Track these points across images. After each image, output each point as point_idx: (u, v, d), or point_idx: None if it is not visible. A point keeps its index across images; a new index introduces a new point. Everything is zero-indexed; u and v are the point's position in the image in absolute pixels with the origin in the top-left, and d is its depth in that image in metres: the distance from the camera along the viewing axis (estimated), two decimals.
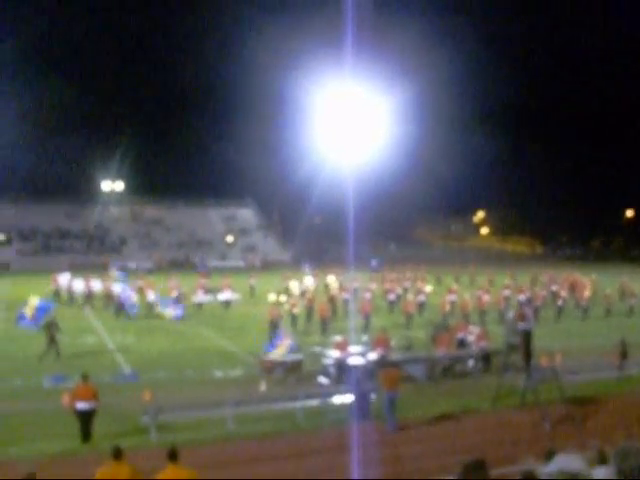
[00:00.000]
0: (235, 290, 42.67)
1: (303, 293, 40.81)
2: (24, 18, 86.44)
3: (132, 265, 71.25)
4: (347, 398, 18.86)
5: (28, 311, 28.64)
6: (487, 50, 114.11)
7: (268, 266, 75.32)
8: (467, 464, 6.23)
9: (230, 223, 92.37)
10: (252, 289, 46.65)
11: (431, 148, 78.99)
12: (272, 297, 39.01)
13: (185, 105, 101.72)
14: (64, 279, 42.83)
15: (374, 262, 64.10)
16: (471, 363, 25.06)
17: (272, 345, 25.31)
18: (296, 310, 34.45)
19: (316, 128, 58.36)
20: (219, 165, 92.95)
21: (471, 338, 26.47)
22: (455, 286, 43.33)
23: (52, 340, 26.35)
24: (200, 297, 40.42)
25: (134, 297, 37.55)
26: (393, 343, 26.09)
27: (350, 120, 52.05)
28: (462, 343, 26.55)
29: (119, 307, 36.99)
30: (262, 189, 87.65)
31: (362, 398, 18.45)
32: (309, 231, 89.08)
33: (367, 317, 34.34)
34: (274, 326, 30.15)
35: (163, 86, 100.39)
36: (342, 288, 42.42)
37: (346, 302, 39.29)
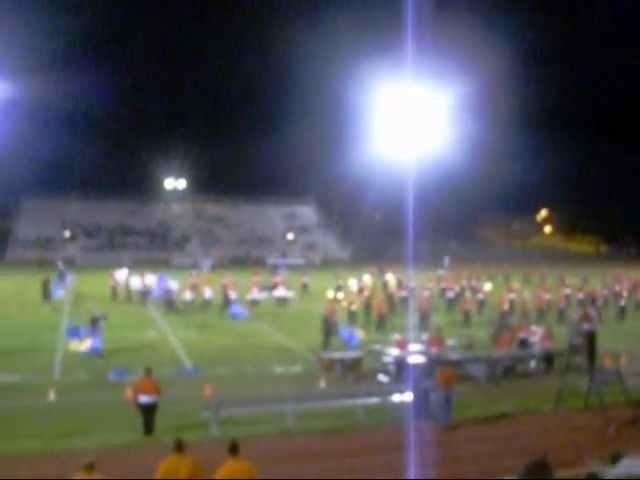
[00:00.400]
0: (289, 287, 42.93)
1: (361, 290, 41.00)
2: (90, 18, 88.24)
3: (193, 261, 72.20)
4: (406, 397, 18.77)
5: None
6: (554, 45, 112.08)
7: (328, 264, 75.41)
8: (530, 464, 6.17)
9: (290, 221, 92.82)
10: (305, 287, 46.71)
11: (494, 145, 78.04)
12: (330, 294, 39.50)
13: (247, 104, 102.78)
14: (121, 276, 43.45)
15: (446, 260, 63.53)
16: (533, 364, 24.68)
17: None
18: (354, 307, 34.66)
19: (376, 126, 58.19)
20: (280, 163, 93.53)
21: (534, 338, 26.08)
22: (515, 285, 42.71)
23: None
24: (255, 294, 40.61)
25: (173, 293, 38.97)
26: (453, 342, 25.89)
27: (411, 117, 51.71)
28: (524, 343, 26.16)
29: (169, 302, 37.84)
30: (323, 187, 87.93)
31: (421, 397, 18.35)
32: (369, 229, 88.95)
33: (425, 315, 34.30)
34: (331, 323, 30.06)
35: (226, 85, 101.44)
36: (400, 286, 42.40)
37: (404, 300, 39.38)
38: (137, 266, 54.62)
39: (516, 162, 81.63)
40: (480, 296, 40.25)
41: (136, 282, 42.27)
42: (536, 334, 26.28)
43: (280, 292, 41.83)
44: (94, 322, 27.13)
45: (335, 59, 68.09)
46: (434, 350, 23.18)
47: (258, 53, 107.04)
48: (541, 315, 36.32)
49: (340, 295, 39.91)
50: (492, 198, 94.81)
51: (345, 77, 63.52)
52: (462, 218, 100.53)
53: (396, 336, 24.65)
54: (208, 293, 39.12)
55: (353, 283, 45.10)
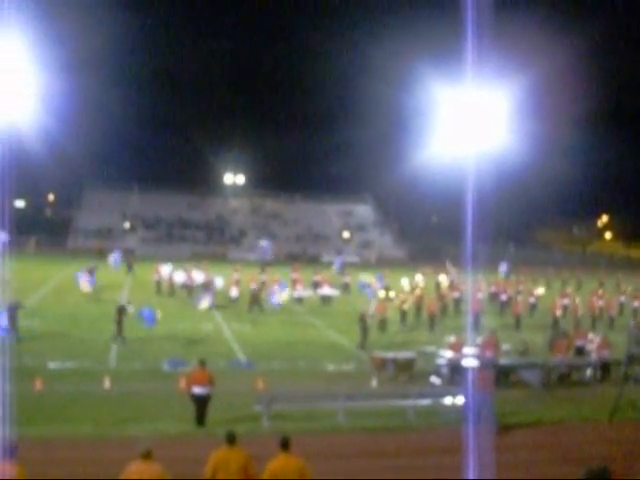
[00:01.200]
0: (334, 286, 42.80)
1: (413, 290, 41.04)
2: (153, 13, 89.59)
3: (251, 256, 72.74)
4: (459, 400, 18.62)
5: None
6: (617, 43, 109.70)
7: (383, 262, 75.14)
8: (591, 470, 6.02)
9: (347, 219, 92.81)
10: (346, 286, 45.51)
11: (555, 148, 76.87)
12: (381, 293, 39.62)
13: (309, 102, 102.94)
14: (166, 270, 43.11)
15: (504, 266, 62.73)
16: (589, 372, 24.24)
17: None
18: (406, 306, 34.96)
19: (436, 126, 57.77)
20: (339, 161, 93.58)
21: (591, 346, 25.60)
22: (569, 290, 42.16)
23: (119, 324, 27.05)
24: (299, 292, 40.52)
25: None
26: (508, 347, 25.60)
27: (470, 118, 51.18)
28: (581, 351, 25.72)
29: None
30: (380, 186, 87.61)
31: (475, 400, 18.15)
32: (425, 229, 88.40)
33: (476, 317, 34.10)
34: (383, 321, 31.91)
35: (288, 83, 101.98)
36: (453, 287, 42.56)
37: (456, 301, 39.65)
38: (195, 259, 55.30)
39: (577, 165, 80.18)
40: (532, 300, 40.26)
41: (180, 277, 41.93)
42: (593, 342, 25.79)
43: (325, 290, 41.58)
44: (120, 312, 27.32)
45: (395, 58, 67.86)
46: (489, 354, 22.94)
47: (320, 52, 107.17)
48: (593, 321, 36.41)
49: (392, 294, 39.89)
50: (552, 202, 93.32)
51: (405, 76, 63.24)
52: (521, 221, 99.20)
53: (451, 338, 24.44)
54: (253, 286, 38.12)
55: (405, 283, 45.08)
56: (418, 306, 36.02)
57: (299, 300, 40.02)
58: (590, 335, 27.10)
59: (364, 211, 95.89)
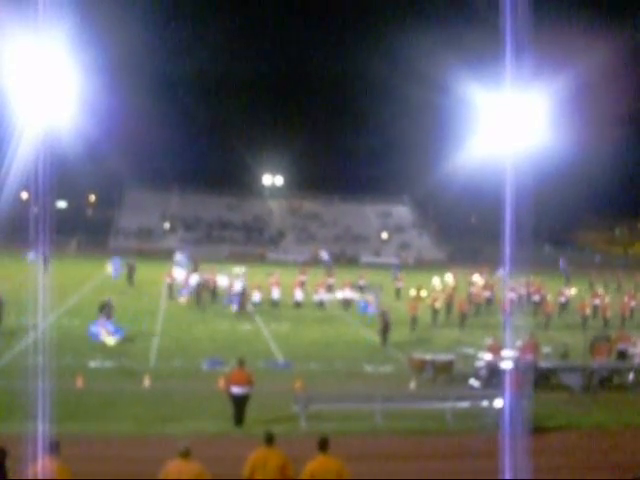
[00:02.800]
0: (355, 289, 41.64)
1: (444, 289, 42.13)
2: (196, 25, 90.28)
3: (290, 258, 72.94)
4: (498, 403, 18.44)
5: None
6: None
7: (422, 264, 74.84)
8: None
9: (385, 220, 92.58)
10: (398, 292, 44.84)
11: (596, 149, 75.76)
12: (412, 292, 40.22)
13: (347, 103, 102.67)
14: (180, 274, 41.58)
15: (562, 264, 62.14)
16: (631, 376, 23.84)
17: None
18: (437, 304, 35.63)
19: (474, 127, 57.42)
20: (377, 162, 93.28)
21: (634, 350, 25.22)
22: (600, 290, 42.02)
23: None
24: (321, 295, 39.45)
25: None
26: (549, 350, 25.34)
27: (509, 119, 50.74)
28: (623, 354, 25.34)
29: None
30: (418, 187, 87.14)
31: (511, 403, 17.95)
32: (464, 230, 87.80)
33: (508, 316, 34.67)
34: (414, 320, 32.89)
35: (324, 85, 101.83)
36: (486, 286, 43.41)
37: (488, 301, 40.84)
38: (234, 260, 55.69)
39: (619, 166, 78.95)
40: (562, 299, 41.02)
41: (194, 280, 39.46)
42: (637, 346, 25.41)
43: (345, 293, 39.99)
44: (102, 308, 27.73)
45: (434, 59, 67.46)
46: (529, 357, 22.69)
47: (358, 53, 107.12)
48: (622, 321, 37.24)
49: (424, 293, 40.49)
50: (593, 203, 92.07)
51: (444, 77, 62.86)
52: (561, 223, 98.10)
53: (489, 340, 24.19)
54: (276, 294, 38.14)
55: (436, 282, 46.28)
56: (449, 305, 37.04)
57: (320, 304, 38.78)
58: (633, 338, 26.70)
59: (403, 212, 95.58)
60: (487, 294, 41.34)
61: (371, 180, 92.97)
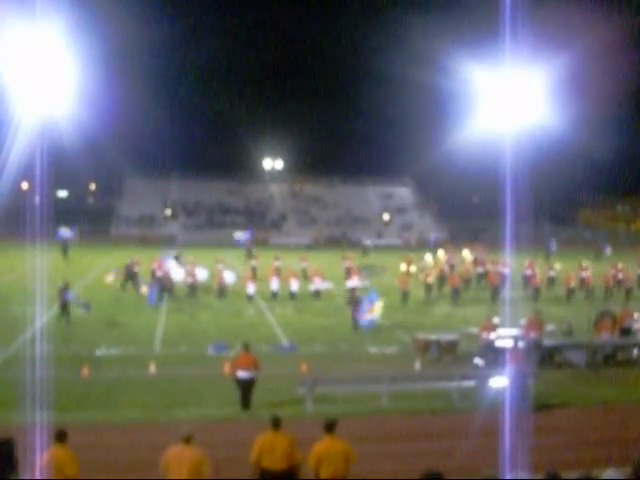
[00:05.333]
0: (325, 278, 37.43)
1: (435, 264, 43.78)
2: (192, 11, 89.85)
3: (292, 241, 72.90)
4: (503, 381, 18.47)
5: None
6: None
7: (424, 245, 74.80)
8: None
9: (387, 201, 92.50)
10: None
11: (597, 126, 75.50)
12: (403, 267, 41.23)
13: (346, 85, 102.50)
14: (169, 266, 38.47)
15: (551, 244, 62.19)
16: (635, 352, 23.87)
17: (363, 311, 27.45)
18: (430, 279, 36.92)
19: (474, 106, 57.24)
20: (377, 144, 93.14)
21: (637, 326, 25.25)
22: (585, 263, 42.12)
23: (64, 307, 27.62)
24: (318, 284, 36.03)
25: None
26: (552, 327, 25.37)
27: (509, 97, 50.56)
28: (627, 331, 25.36)
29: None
30: (420, 168, 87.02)
31: (518, 382, 17.99)
32: (466, 211, 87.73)
33: (496, 290, 36.05)
34: (405, 295, 34.34)
35: (323, 67, 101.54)
36: (476, 262, 44.70)
37: (480, 276, 41.76)
38: (237, 245, 55.79)
39: (620, 142, 78.69)
40: (551, 273, 41.63)
41: (179, 273, 37.15)
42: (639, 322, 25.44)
43: (354, 282, 36.10)
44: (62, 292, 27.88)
45: (433, 38, 67.14)
46: (532, 335, 22.72)
47: (357, 34, 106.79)
48: (606, 292, 37.96)
49: (413, 269, 41.59)
50: (595, 180, 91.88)
51: (443, 56, 62.56)
52: (563, 200, 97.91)
53: (493, 319, 24.05)
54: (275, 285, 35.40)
55: (428, 258, 47.77)
56: (441, 280, 38.56)
57: (316, 294, 35.64)
58: (636, 315, 26.70)
59: (404, 193, 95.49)
60: (479, 270, 42.38)
61: (372, 162, 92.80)
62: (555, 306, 34.39)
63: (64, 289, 28.04)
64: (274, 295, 35.13)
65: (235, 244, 62.83)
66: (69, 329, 26.34)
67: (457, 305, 34.57)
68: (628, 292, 38.11)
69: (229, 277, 36.47)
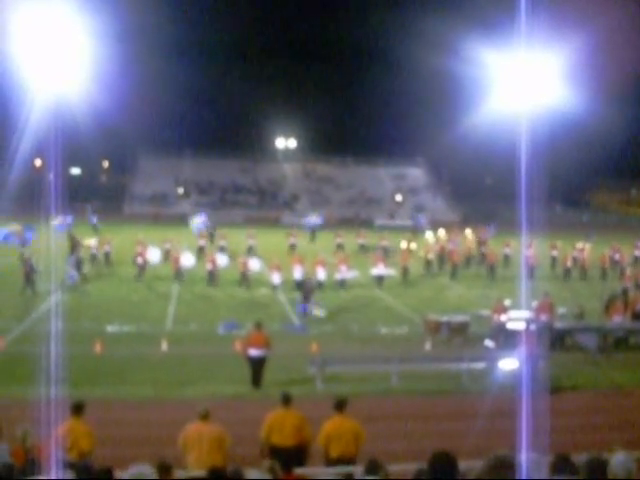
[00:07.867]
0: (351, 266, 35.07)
1: (437, 241, 44.89)
2: None
3: (304, 221, 72.68)
4: (513, 363, 18.48)
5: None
6: None
7: (436, 226, 74.52)
8: None
9: (399, 182, 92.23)
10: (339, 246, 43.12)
11: (612, 109, 74.93)
12: (403, 244, 41.61)
13: (359, 65, 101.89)
14: (153, 256, 35.47)
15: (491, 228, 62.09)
16: None
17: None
18: (430, 256, 38.81)
19: (488, 87, 56.88)
20: (391, 124, 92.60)
21: None
22: (580, 244, 42.13)
23: (28, 279, 27.75)
24: (344, 273, 33.67)
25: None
26: (564, 310, 25.34)
27: (523, 78, 50.23)
28: (639, 315, 25.28)
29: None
30: (433, 149, 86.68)
31: (529, 364, 17.99)
32: (479, 192, 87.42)
33: (492, 268, 37.08)
34: (405, 271, 35.15)
35: (337, 48, 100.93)
36: (480, 242, 44.96)
37: (483, 255, 41.66)
38: (248, 224, 55.76)
39: (635, 126, 78.08)
40: (554, 253, 41.47)
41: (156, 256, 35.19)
42: None
43: (380, 270, 34.38)
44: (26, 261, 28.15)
45: (446, 19, 66.68)
46: (543, 317, 22.71)
47: (369, 14, 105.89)
48: (602, 273, 38.15)
49: (413, 245, 42.17)
50: (609, 163, 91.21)
51: (456, 37, 62.13)
52: (576, 184, 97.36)
53: (504, 301, 23.96)
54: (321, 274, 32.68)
55: (430, 235, 48.49)
56: (441, 257, 39.98)
57: (342, 283, 33.21)
58: None
59: (417, 174, 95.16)
60: (482, 249, 42.59)
61: (385, 142, 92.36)
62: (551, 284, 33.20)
63: (29, 259, 28.20)
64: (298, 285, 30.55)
65: (304, 227, 59.48)
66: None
67: (455, 281, 35.77)
68: (622, 271, 37.84)
69: (254, 264, 33.70)
